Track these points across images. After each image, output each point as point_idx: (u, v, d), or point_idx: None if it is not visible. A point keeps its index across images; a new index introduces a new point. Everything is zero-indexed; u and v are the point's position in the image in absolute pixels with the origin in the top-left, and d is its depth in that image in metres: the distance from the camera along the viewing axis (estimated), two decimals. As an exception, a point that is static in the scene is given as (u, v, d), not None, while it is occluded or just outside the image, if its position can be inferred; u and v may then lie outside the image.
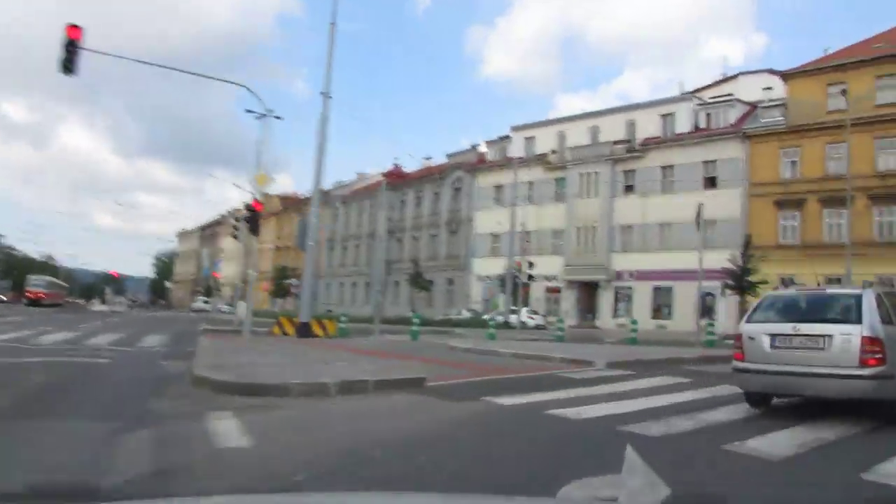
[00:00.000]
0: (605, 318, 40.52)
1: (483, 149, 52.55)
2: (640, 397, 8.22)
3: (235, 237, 25.70)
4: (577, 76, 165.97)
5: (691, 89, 45.41)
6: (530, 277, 36.07)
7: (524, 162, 43.83)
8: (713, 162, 37.02)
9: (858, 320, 6.64)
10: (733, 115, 38.15)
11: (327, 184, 64.34)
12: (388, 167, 61.22)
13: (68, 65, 15.13)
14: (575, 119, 45.83)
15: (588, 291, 42.35)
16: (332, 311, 36.58)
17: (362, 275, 54.88)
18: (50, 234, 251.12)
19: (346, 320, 22.89)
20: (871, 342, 6.47)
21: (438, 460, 4.86)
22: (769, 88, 38.72)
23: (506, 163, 45.29)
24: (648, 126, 40.94)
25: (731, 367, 7.57)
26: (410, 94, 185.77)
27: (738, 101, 38.89)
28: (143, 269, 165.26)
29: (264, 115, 18.41)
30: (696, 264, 19.52)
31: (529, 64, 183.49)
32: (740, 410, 7.42)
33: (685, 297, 32.50)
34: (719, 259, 27.62)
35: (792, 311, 7.35)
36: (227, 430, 5.62)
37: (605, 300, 41.26)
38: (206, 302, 63.80)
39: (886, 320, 6.79)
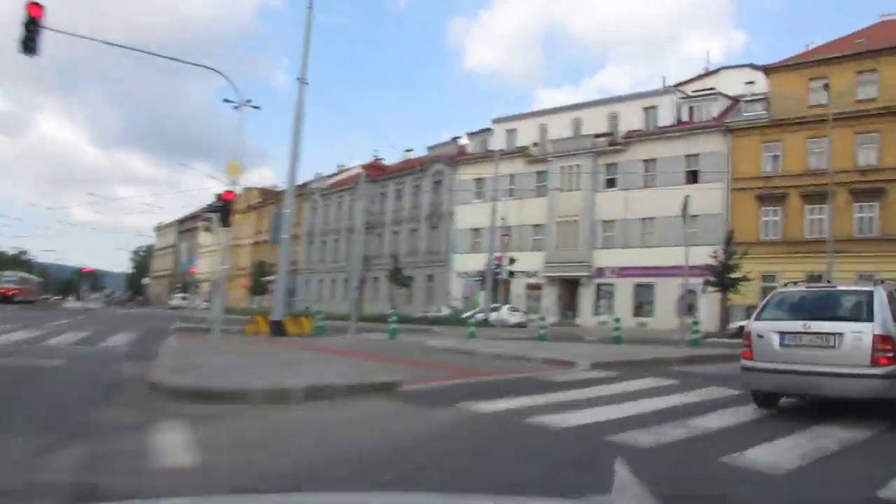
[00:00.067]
0: (586, 315, 40.14)
1: (464, 141, 51.86)
2: (628, 402, 7.85)
3: (209, 230, 24.96)
4: (559, 71, 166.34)
5: (673, 83, 45.20)
6: (511, 274, 35.58)
7: (505, 154, 43.33)
8: (696, 156, 36.78)
9: (870, 318, 6.49)
10: (716, 108, 37.98)
11: (307, 176, 63.52)
12: (369, 160, 60.39)
13: (29, 44, 14.49)
14: (557, 111, 45.38)
15: (569, 288, 41.97)
16: (310, 308, 35.89)
17: (342, 270, 53.95)
18: (24, 227, 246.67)
19: (323, 318, 22.27)
20: (883, 340, 6.33)
21: (408, 478, 4.44)
22: (751, 83, 38.63)
23: (487, 155, 44.73)
24: (631, 119, 40.62)
25: (733, 367, 7.35)
26: (392, 86, 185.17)
27: (721, 94, 38.74)
28: (122, 264, 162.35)
29: (241, 105, 17.79)
30: (679, 260, 19.18)
31: (512, 58, 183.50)
32: (734, 415, 7.10)
33: (667, 295, 32.16)
34: (701, 255, 27.30)
35: (802, 308, 7.19)
36: (173, 445, 5.07)
37: (586, 297, 40.89)
38: (184, 298, 62.70)
39: None
